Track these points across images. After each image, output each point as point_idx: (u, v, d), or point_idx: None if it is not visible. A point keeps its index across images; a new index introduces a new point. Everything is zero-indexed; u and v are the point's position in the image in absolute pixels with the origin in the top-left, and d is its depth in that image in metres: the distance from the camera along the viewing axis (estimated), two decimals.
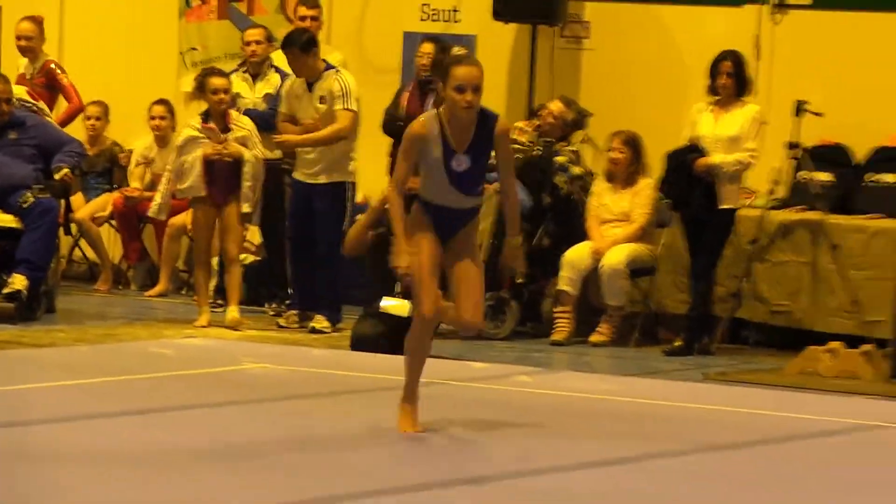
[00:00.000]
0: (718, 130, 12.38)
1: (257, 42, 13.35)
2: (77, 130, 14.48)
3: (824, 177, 12.96)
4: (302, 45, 12.19)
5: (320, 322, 12.35)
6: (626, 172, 12.83)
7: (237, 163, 12.14)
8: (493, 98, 14.48)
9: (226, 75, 12.81)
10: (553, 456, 7.94)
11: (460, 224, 7.21)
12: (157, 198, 12.67)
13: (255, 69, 13.34)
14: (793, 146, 13.01)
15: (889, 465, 8.78)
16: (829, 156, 13.18)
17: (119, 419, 8.38)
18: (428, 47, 12.89)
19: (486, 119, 7.00)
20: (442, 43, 12.22)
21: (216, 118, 12.20)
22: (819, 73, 14.17)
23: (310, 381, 10.79)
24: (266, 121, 12.70)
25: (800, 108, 12.62)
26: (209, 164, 12.03)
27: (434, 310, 7.16)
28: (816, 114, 12.74)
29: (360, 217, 11.08)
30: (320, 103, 12.09)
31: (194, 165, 12.05)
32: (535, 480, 7.25)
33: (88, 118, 14.97)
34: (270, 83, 13.19)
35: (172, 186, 12.39)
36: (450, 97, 6.86)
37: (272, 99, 13.03)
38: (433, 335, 7.82)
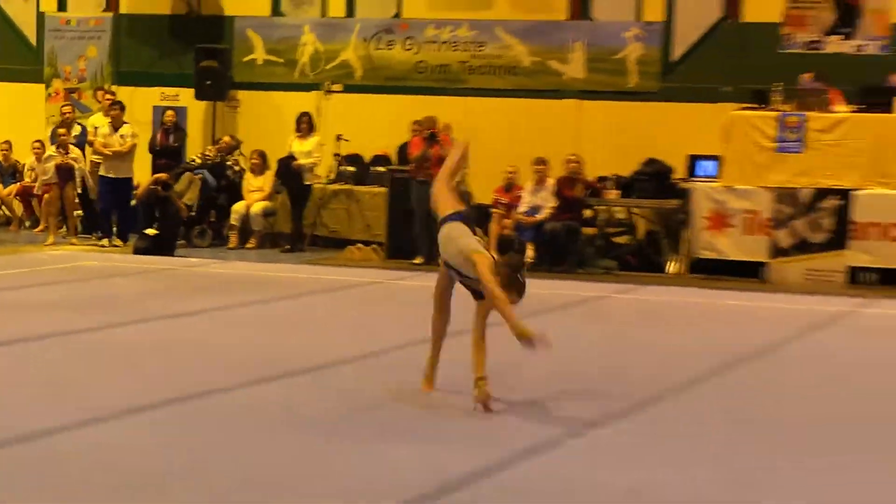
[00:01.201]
0: (302, 148, 21.47)
1: (70, 111, 23.13)
2: None
3: (351, 169, 22.52)
4: (123, 107, 21.62)
5: (116, 241, 21.16)
6: (259, 168, 21.82)
7: (71, 168, 21.56)
8: (198, 135, 23.51)
9: (66, 126, 22.44)
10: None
11: None
12: (37, 184, 22.34)
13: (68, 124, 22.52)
14: (336, 155, 22.64)
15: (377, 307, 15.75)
16: (353, 161, 22.87)
17: None
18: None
19: None
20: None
21: (62, 147, 21.48)
22: (349, 123, 23.14)
23: (116, 267, 18.29)
24: (80, 145, 22.09)
25: (339, 137, 22.62)
26: (58, 167, 21.38)
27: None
28: (345, 139, 22.42)
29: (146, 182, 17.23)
30: (121, 137, 21.29)
31: (51, 168, 21.35)
32: None
33: (2, 149, 24.60)
34: (76, 130, 22.75)
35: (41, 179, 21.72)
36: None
37: (81, 135, 22.47)
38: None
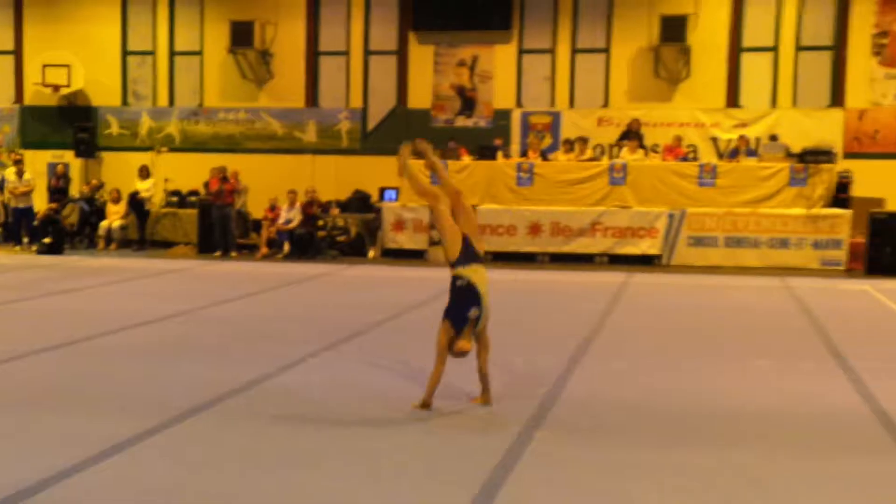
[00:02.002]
0: (143, 186, 21.16)
1: None
2: None
3: (174, 199, 22.33)
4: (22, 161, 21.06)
5: (25, 248, 20.18)
6: (116, 199, 20.81)
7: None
8: (77, 180, 22.43)
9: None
10: None
11: None
12: None
13: None
14: (165, 190, 22.03)
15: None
16: (176, 194, 22.27)
17: None
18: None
19: None
20: None
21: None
22: (172, 171, 22.07)
23: (25, 263, 18.63)
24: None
25: (166, 180, 23.45)
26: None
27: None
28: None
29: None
30: (24, 182, 20.63)
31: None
32: None
33: None
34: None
35: None
36: None
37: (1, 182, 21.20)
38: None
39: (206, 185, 20.07)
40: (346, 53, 21.84)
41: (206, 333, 10.10)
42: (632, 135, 19.05)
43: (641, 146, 18.89)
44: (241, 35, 21.50)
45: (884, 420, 7.16)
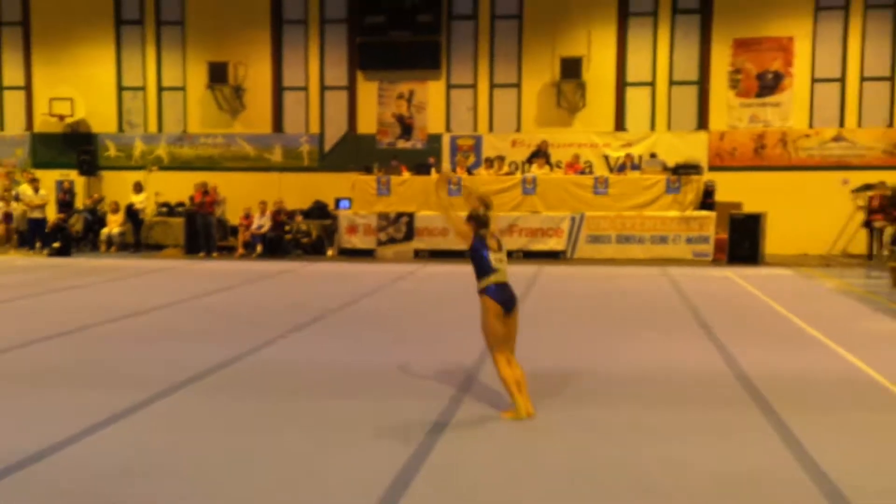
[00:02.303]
0: (137, 199, 20.20)
1: (9, 184, 21.47)
2: None
3: (164, 209, 21.36)
4: (38, 180, 20.42)
5: (38, 251, 19.16)
6: (115, 210, 19.98)
7: (10, 213, 21.04)
8: (81, 194, 21.71)
9: (7, 191, 21.45)
10: None
11: None
12: None
13: (8, 190, 21.07)
14: (157, 203, 22.15)
15: None
16: (165, 205, 21.32)
17: None
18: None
19: None
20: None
21: (4, 201, 20.96)
22: (162, 186, 21.42)
23: (39, 264, 18.23)
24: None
25: (157, 193, 23.48)
26: (4, 213, 21.06)
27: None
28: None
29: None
30: (40, 195, 19.95)
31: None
32: None
33: None
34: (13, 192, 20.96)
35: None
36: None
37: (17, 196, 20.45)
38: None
39: (191, 197, 19.55)
40: (305, 89, 21.49)
41: (191, 320, 9.93)
42: (541, 153, 19.07)
43: (548, 163, 18.99)
44: (218, 73, 21.12)
45: (742, 379, 7.28)
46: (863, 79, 19.89)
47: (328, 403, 6.22)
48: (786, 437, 5.63)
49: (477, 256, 6.01)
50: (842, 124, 20.27)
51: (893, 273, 13.57)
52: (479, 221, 6.11)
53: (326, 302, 11.30)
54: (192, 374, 7.03)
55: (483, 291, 5.97)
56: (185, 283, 13.73)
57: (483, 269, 5.99)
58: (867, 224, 17.84)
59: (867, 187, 18.41)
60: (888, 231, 17.40)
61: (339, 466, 4.95)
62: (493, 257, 6.01)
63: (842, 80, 20.21)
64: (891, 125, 19.94)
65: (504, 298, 5.93)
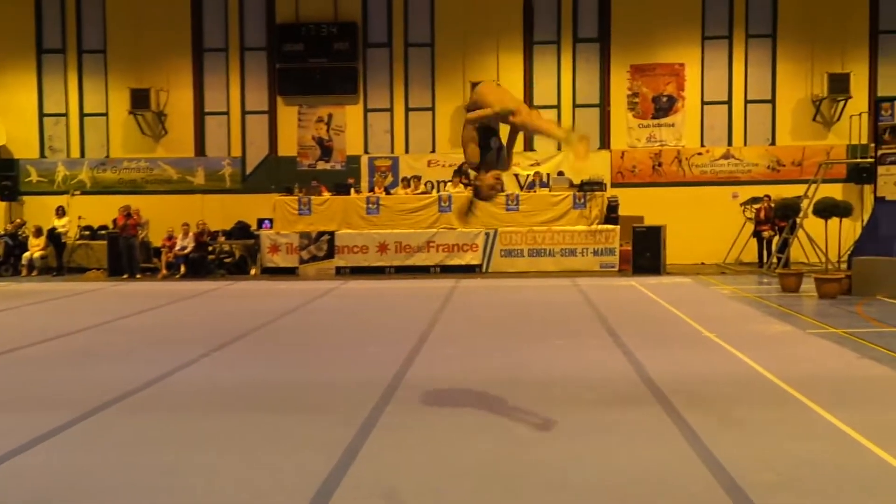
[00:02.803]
0: (60, 223, 19.67)
1: None
2: None
3: (87, 232, 20.33)
4: None
5: None
6: (37, 234, 19.44)
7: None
8: (2, 219, 21.16)
9: None
10: None
11: None
12: None
13: None
14: (79, 226, 20.49)
15: None
16: (88, 228, 21.19)
17: None
18: None
19: None
20: None
21: None
22: (85, 209, 20.62)
23: None
24: None
25: (80, 217, 22.16)
26: None
27: None
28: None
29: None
30: None
31: None
32: None
33: None
34: None
35: None
36: None
37: None
38: None
39: (114, 221, 19.07)
40: (227, 113, 21.15)
41: (115, 341, 9.61)
42: (462, 172, 19.12)
43: (468, 181, 19.13)
44: (140, 100, 20.71)
45: (647, 381, 7.40)
46: (747, 101, 20.48)
47: (252, 418, 6.09)
48: (687, 434, 5.74)
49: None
50: (730, 143, 20.86)
51: (781, 279, 14.02)
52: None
53: (250, 320, 11.08)
54: (116, 395, 6.80)
55: None
56: (109, 305, 13.34)
57: None
58: (756, 234, 18.42)
59: (754, 200, 19.08)
60: (775, 240, 18.00)
61: (263, 479, 4.86)
62: None
63: (728, 102, 20.84)
64: (772, 143, 20.73)
65: None
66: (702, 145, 20.33)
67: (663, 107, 20.61)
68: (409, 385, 7.34)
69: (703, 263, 18.97)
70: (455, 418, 5.99)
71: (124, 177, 21.62)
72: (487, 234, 18.28)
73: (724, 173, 20.14)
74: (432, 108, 21.45)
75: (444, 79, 21.27)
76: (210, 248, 19.70)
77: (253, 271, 18.32)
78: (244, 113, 21.82)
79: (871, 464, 5.03)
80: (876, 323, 10.19)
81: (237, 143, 21.24)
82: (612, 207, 18.45)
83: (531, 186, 20.15)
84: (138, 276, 18.45)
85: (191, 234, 19.41)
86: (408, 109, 21.55)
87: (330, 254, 18.23)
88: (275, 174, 20.62)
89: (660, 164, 20.37)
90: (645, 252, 17.51)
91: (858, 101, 20.27)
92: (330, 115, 21.61)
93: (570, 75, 20.53)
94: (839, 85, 20.03)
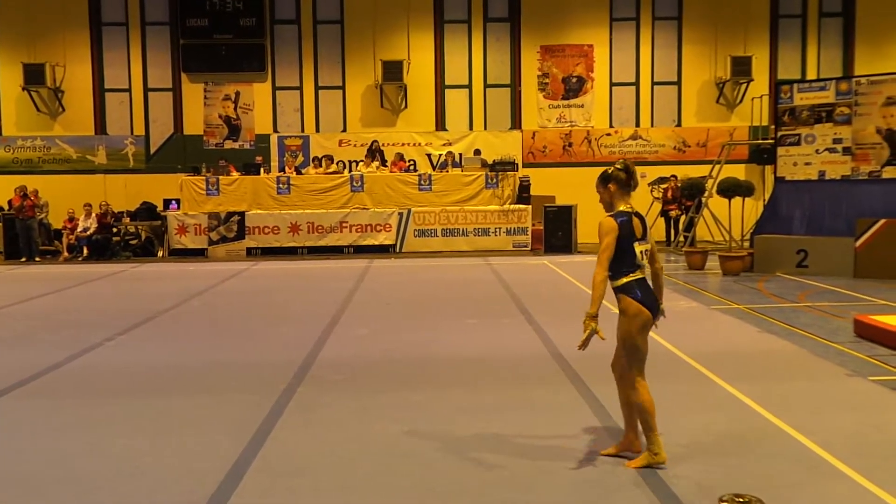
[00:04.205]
0: None
1: None
2: None
3: None
4: None
5: None
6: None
7: None
8: None
9: None
10: None
11: None
12: None
13: None
14: None
15: None
16: None
17: None
18: None
19: None
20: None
21: None
22: None
23: None
24: None
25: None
26: None
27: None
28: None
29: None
30: None
31: None
32: None
33: None
34: None
35: None
36: None
37: None
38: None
39: (10, 201, 18.21)
40: (128, 90, 20.55)
41: (14, 326, 9.29)
42: (375, 151, 18.96)
43: (382, 161, 19.09)
44: (34, 75, 19.89)
45: (558, 359, 7.55)
46: (654, 83, 21.01)
47: (160, 402, 6.00)
48: (596, 409, 5.88)
49: (620, 250, 4.54)
50: (638, 124, 21.32)
51: (687, 257, 14.45)
52: (622, 182, 4.69)
53: (157, 303, 10.93)
54: (16, 380, 6.58)
55: (624, 291, 4.55)
56: (7, 289, 12.94)
57: (625, 262, 4.58)
58: (663, 213, 18.90)
59: (661, 180, 19.56)
60: (682, 219, 18.53)
61: (172, 463, 4.82)
62: (639, 248, 4.59)
63: (636, 84, 21.27)
64: (678, 125, 21.23)
65: (651, 302, 4.56)
66: (611, 126, 20.67)
67: (573, 87, 20.92)
68: (322, 365, 7.33)
69: None
70: (368, 398, 6.02)
71: (19, 156, 20.84)
72: (401, 215, 18.30)
73: (632, 153, 20.58)
74: (342, 87, 21.32)
75: (354, 57, 20.85)
76: (115, 230, 19.15)
77: (160, 253, 17.90)
78: (147, 90, 21.27)
79: (770, 432, 5.26)
80: (776, 298, 10.63)
81: (140, 121, 20.73)
82: (524, 187, 18.69)
83: (444, 166, 20.23)
84: (38, 259, 17.83)
85: (93, 214, 18.81)
86: (318, 88, 21.35)
87: (240, 235, 17.86)
88: (181, 153, 20.22)
89: (570, 145, 20.65)
90: (557, 231, 17.81)
91: (760, 83, 20.91)
92: (237, 93, 21.26)
93: (482, 55, 20.60)
94: (742, 68, 20.65)
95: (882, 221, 12.78)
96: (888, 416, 5.54)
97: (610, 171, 4.84)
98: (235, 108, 21.24)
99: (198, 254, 17.67)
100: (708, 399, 5.88)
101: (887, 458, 4.77)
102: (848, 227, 13.36)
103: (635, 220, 4.66)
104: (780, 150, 14.62)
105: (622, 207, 4.70)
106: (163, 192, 19.46)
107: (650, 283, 4.64)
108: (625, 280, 4.60)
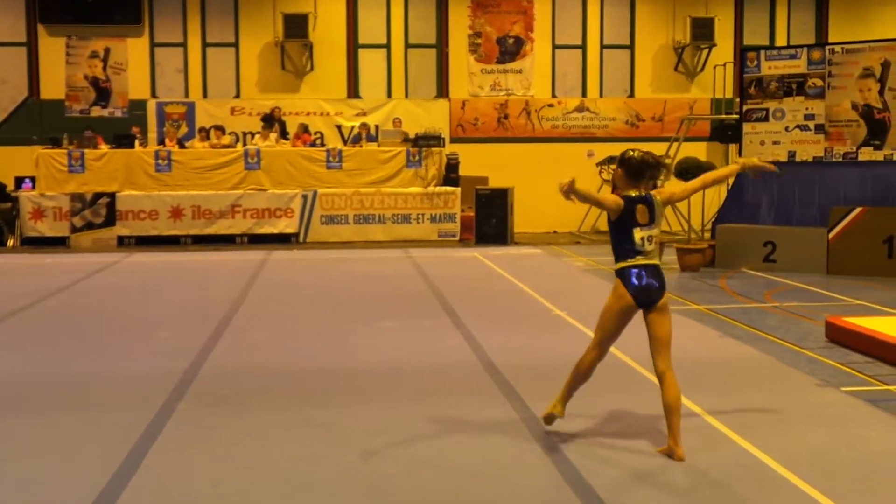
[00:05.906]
0: None
1: None
2: None
3: None
4: None
5: None
6: None
7: None
8: None
9: None
10: None
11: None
12: None
13: None
14: None
15: None
16: None
17: None
18: None
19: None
20: None
21: None
22: None
23: None
24: None
25: None
26: None
27: None
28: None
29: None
30: None
31: None
32: None
33: None
34: None
35: None
36: None
37: None
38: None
39: None
40: None
41: None
42: (274, 121, 18.99)
43: (283, 133, 18.94)
44: None
45: (489, 368, 7.62)
46: (603, 46, 21.50)
47: (11, 422, 5.85)
48: (532, 426, 5.95)
49: (617, 231, 5.23)
50: (584, 94, 21.87)
51: None
52: (631, 172, 5.24)
53: (4, 303, 10.74)
54: None
55: (620, 275, 5.27)
56: None
57: (623, 245, 5.24)
58: None
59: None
60: None
61: (27, 496, 4.71)
62: (639, 235, 5.19)
63: (583, 47, 21.78)
64: (631, 95, 21.66)
65: (643, 294, 5.22)
66: (553, 96, 20.98)
67: (509, 50, 21.16)
68: (208, 377, 7.26)
69: (555, 232, 19.70)
70: (263, 416, 5.99)
71: None
72: (305, 197, 18.23)
73: (578, 128, 20.91)
74: (236, 45, 21.24)
75: (249, 9, 21.12)
76: None
77: (10, 242, 17.60)
78: None
79: (728, 451, 5.34)
80: (740, 298, 10.91)
81: None
82: (452, 166, 18.79)
83: (356, 140, 20.21)
84: None
85: None
86: (205, 45, 21.21)
87: (110, 220, 17.80)
88: (37, 122, 19.96)
89: (506, 117, 20.89)
90: (490, 219, 17.97)
91: (723, 49, 21.60)
92: (107, 50, 20.89)
93: (402, 10, 20.89)
94: (703, 31, 21.29)
95: (858, 210, 13.23)
96: (861, 432, 5.64)
97: (627, 154, 5.28)
98: (105, 68, 20.82)
99: (57, 243, 17.56)
100: (658, 415, 5.98)
101: (857, 478, 4.86)
102: (821, 215, 13.80)
103: (640, 207, 5.18)
104: (746, 127, 15.00)
105: (630, 193, 5.23)
106: (14, 169, 19.07)
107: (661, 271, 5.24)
108: (622, 265, 5.22)
